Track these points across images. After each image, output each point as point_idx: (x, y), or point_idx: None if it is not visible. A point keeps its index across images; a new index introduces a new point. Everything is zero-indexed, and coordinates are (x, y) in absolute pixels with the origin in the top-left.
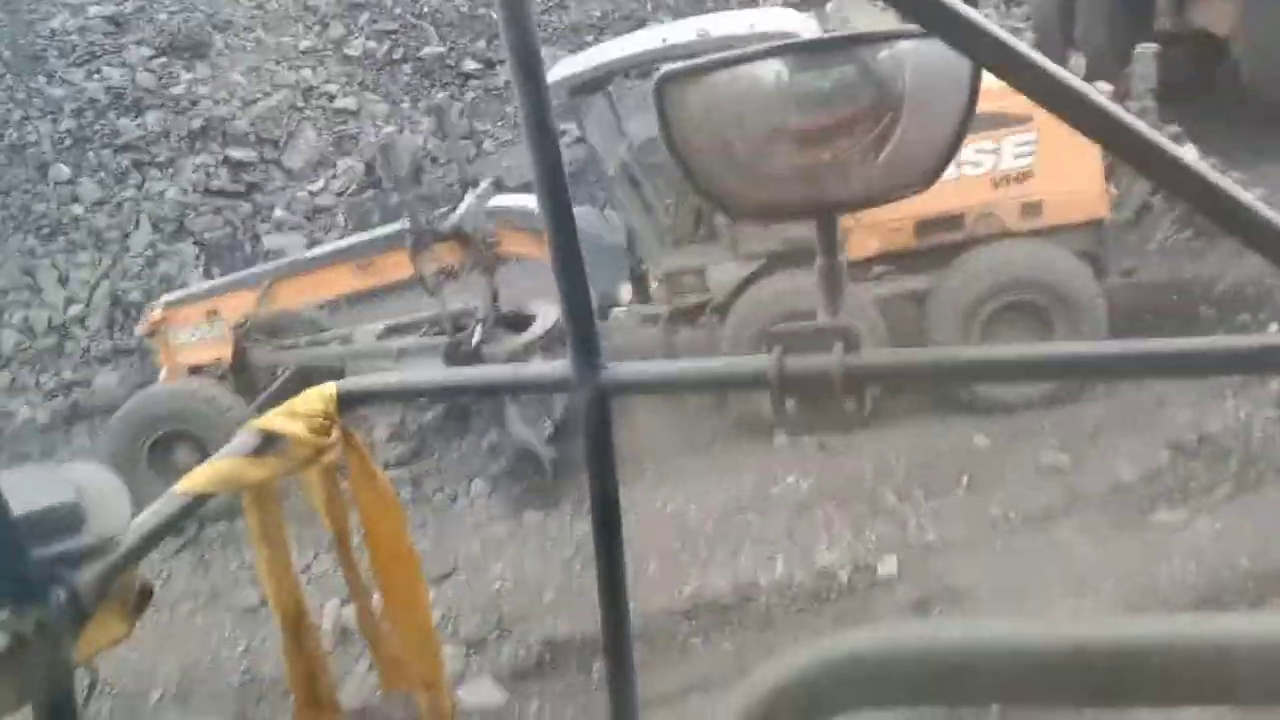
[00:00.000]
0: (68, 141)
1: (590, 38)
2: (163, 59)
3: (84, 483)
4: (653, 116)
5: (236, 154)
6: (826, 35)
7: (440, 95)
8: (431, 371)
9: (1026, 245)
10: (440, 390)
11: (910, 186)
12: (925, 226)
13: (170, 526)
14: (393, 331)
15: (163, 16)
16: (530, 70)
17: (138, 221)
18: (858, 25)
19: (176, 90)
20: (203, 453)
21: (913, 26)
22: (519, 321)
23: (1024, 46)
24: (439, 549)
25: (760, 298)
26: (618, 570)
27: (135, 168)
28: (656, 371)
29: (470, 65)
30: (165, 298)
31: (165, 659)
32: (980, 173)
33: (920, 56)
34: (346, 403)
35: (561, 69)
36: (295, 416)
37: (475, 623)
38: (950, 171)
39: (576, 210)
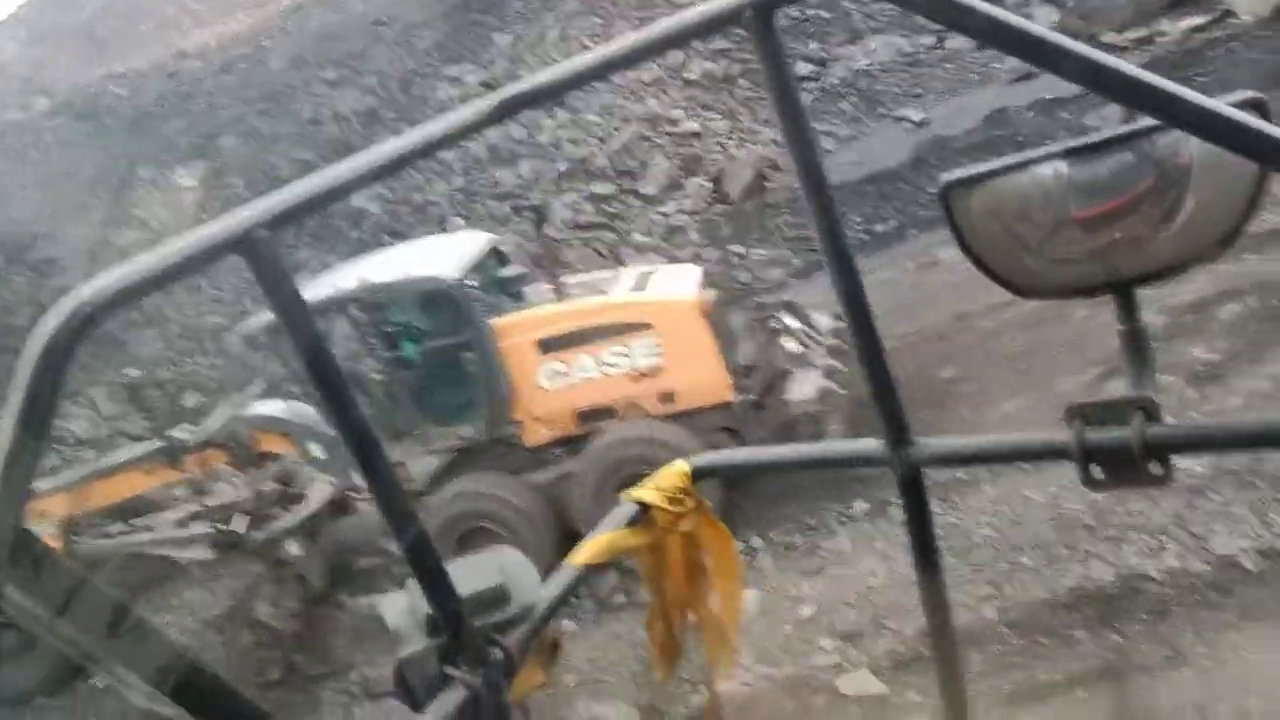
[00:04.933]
0: (460, 196)
1: None
2: (529, 111)
3: (505, 566)
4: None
5: (598, 189)
6: (1101, 136)
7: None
8: (765, 449)
9: (642, 427)
10: (770, 465)
11: (1207, 252)
12: (584, 416)
13: (570, 594)
14: (193, 518)
15: (523, 71)
16: (820, 192)
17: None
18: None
19: (543, 138)
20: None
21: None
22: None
23: None
24: (806, 542)
25: (447, 495)
26: (945, 618)
27: (515, 213)
28: (965, 445)
29: (803, 69)
30: None
31: (575, 652)
32: (620, 371)
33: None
34: (698, 476)
35: (252, 320)
36: (657, 490)
37: (850, 617)
38: (594, 371)
39: (300, 408)
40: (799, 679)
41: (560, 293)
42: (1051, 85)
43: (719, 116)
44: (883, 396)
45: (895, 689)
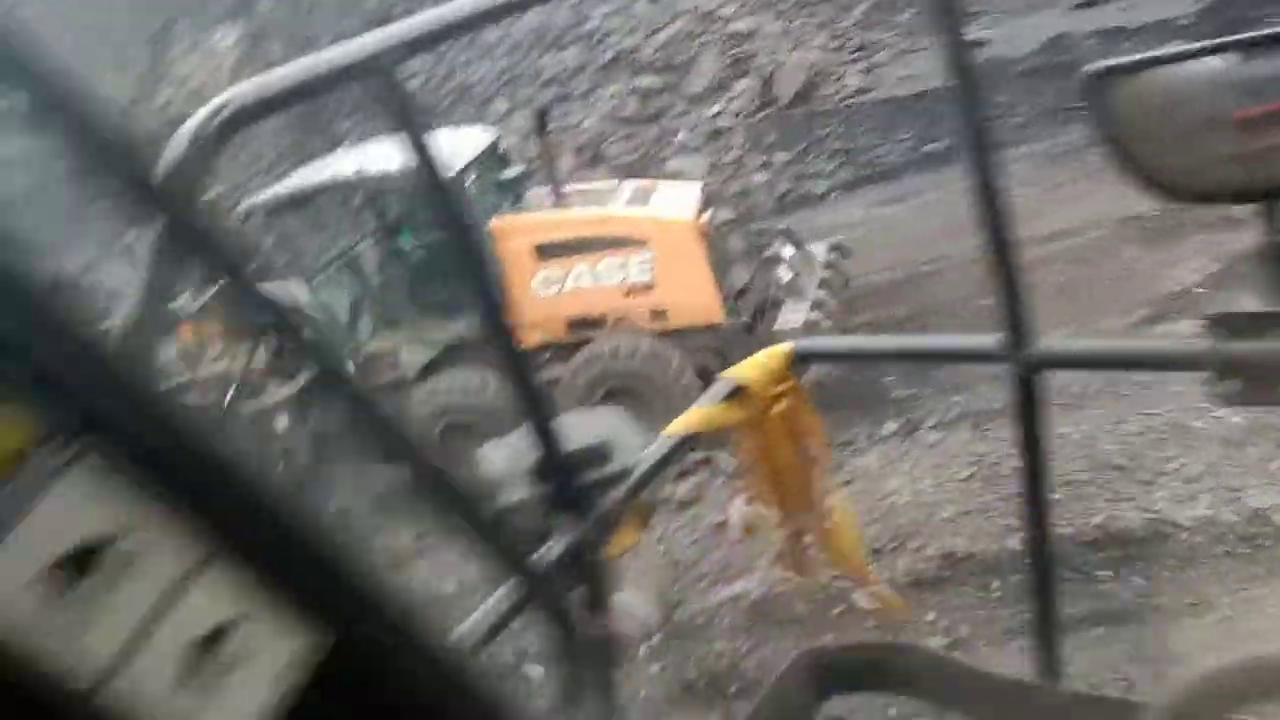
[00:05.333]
0: (505, 79)
1: None
2: None
3: (611, 424)
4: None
5: (643, 82)
6: (1277, 30)
7: None
8: (873, 339)
9: (634, 340)
10: (879, 354)
11: None
12: (574, 325)
13: (668, 462)
14: (180, 387)
15: None
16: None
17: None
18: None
19: (590, 26)
20: None
21: None
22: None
23: None
24: (835, 457)
25: (435, 388)
26: (1044, 528)
27: (559, 101)
28: (1089, 348)
29: None
30: None
31: None
32: (614, 284)
33: None
34: (800, 360)
35: (257, 196)
36: (756, 369)
37: (872, 532)
38: (588, 281)
39: (294, 287)
40: (817, 588)
41: (560, 199)
42: (1115, 15)
43: (773, 18)
44: (1007, 293)
45: (914, 607)
